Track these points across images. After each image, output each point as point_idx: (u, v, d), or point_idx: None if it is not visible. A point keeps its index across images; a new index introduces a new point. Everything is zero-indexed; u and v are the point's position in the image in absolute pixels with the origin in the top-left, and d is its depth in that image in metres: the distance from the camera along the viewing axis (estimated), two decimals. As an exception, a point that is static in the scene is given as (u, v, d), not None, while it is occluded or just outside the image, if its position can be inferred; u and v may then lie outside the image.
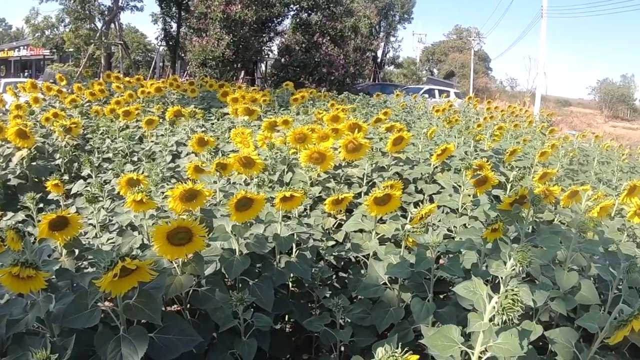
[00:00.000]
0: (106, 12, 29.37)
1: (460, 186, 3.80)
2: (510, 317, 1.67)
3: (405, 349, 1.45)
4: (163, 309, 2.96)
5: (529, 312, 2.54)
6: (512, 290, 1.67)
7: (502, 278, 2.02)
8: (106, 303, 2.18)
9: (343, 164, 4.27)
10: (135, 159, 5.32)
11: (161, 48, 38.61)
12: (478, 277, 1.93)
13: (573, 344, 2.32)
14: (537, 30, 32.69)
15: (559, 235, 2.65)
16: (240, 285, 2.72)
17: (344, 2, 25.69)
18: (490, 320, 1.86)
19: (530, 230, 3.13)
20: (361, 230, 3.22)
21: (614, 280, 2.32)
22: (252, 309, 2.48)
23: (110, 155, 5.32)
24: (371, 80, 43.22)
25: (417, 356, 1.45)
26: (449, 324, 1.94)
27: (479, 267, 2.61)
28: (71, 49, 31.49)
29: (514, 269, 1.93)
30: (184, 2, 29.44)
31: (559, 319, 2.66)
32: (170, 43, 33.21)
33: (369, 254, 3.06)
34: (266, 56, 29.54)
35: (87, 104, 8.57)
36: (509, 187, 3.90)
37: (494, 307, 1.71)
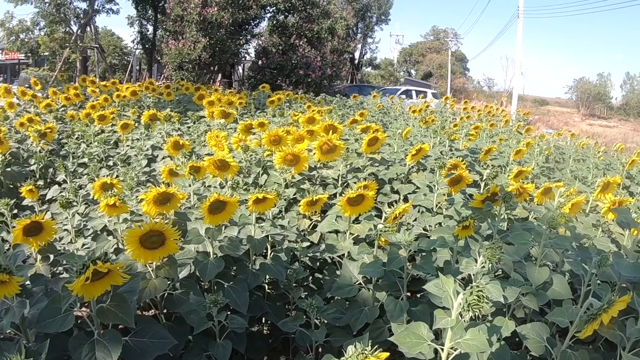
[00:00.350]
0: (82, 15, 29.12)
1: (434, 185, 3.83)
2: (477, 313, 1.70)
3: (376, 347, 1.46)
4: (139, 313, 2.98)
5: (502, 308, 2.57)
6: (478, 286, 1.70)
7: (473, 275, 2.05)
8: (83, 309, 2.18)
9: (318, 166, 4.28)
10: (110, 163, 5.29)
11: (137, 51, 38.35)
12: (448, 275, 1.95)
13: (545, 339, 2.35)
14: (514, 30, 33.03)
15: (530, 232, 2.68)
16: (215, 287, 2.72)
17: (321, 3, 25.70)
18: (462, 317, 1.89)
19: (505, 227, 3.18)
20: (336, 231, 3.24)
21: (586, 275, 2.36)
22: (228, 312, 2.49)
23: (86, 160, 5.28)
24: (349, 81, 43.31)
25: (387, 354, 1.47)
26: (418, 322, 1.96)
27: (452, 265, 2.64)
28: (46, 53, 31.11)
29: (483, 266, 1.96)
30: (160, 4, 29.27)
31: (533, 315, 2.70)
32: (147, 46, 32.99)
33: (343, 254, 3.08)
34: (243, 59, 29.46)
35: (63, 108, 8.50)
36: (482, 185, 3.95)
37: (460, 304, 1.74)
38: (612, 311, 2.03)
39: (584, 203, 3.61)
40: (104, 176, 4.04)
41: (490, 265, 1.94)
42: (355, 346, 1.46)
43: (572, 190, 3.80)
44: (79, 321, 2.21)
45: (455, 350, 1.83)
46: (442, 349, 1.85)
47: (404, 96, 20.98)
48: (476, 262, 1.99)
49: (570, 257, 2.67)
